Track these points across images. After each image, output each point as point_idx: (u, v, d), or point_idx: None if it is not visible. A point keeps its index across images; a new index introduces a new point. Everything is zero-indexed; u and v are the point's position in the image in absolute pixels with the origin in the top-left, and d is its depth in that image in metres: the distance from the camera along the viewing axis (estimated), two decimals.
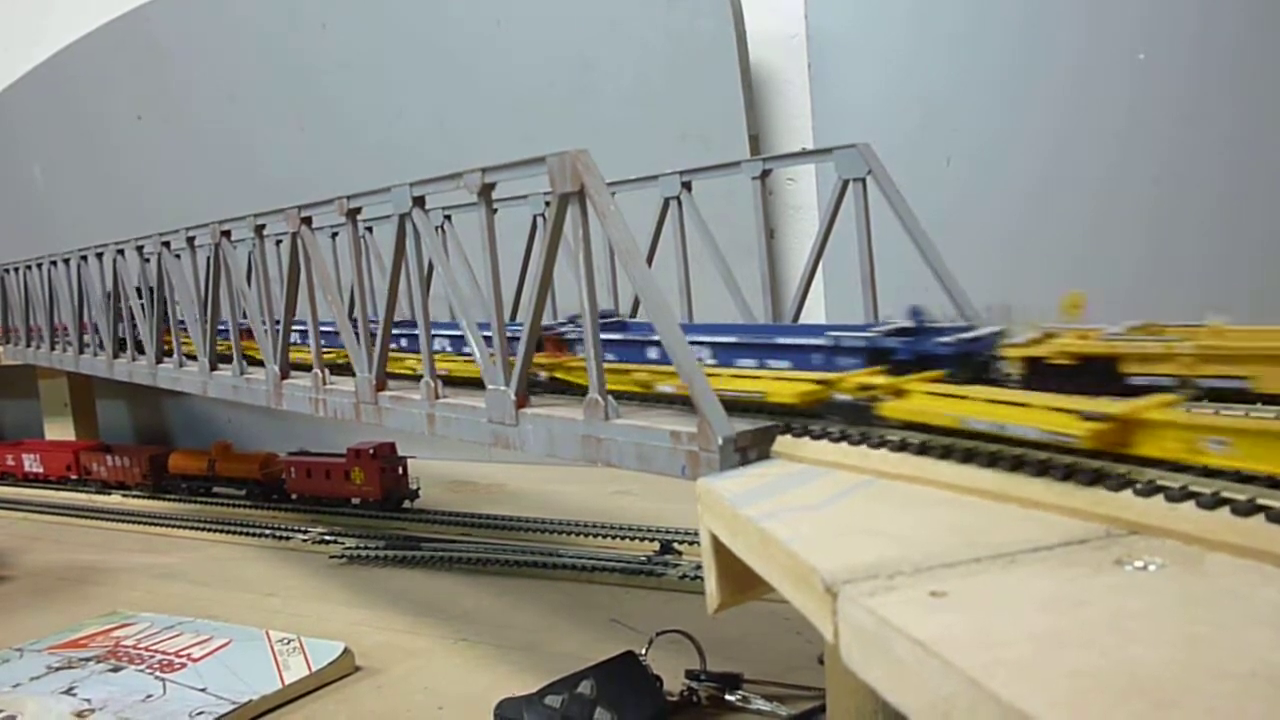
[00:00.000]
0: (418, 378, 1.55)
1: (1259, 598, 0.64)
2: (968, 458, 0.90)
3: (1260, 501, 0.71)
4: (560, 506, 2.86)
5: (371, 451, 2.91)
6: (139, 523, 3.19)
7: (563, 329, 1.61)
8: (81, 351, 2.94)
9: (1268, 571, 0.67)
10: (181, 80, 4.47)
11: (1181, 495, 0.75)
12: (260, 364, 2.04)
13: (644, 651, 1.60)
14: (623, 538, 2.42)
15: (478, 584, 2.31)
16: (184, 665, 1.85)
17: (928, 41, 2.97)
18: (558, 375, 1.52)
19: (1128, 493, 0.78)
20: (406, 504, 2.95)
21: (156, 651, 1.94)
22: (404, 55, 3.81)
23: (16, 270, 3.36)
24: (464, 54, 3.66)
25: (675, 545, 2.29)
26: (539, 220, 2.11)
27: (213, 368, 2.20)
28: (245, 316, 2.14)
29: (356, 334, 1.67)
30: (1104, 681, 0.55)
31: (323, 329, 1.85)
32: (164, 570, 2.67)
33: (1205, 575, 0.68)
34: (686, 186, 1.85)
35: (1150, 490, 0.77)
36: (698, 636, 1.64)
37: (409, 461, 2.98)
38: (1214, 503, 0.72)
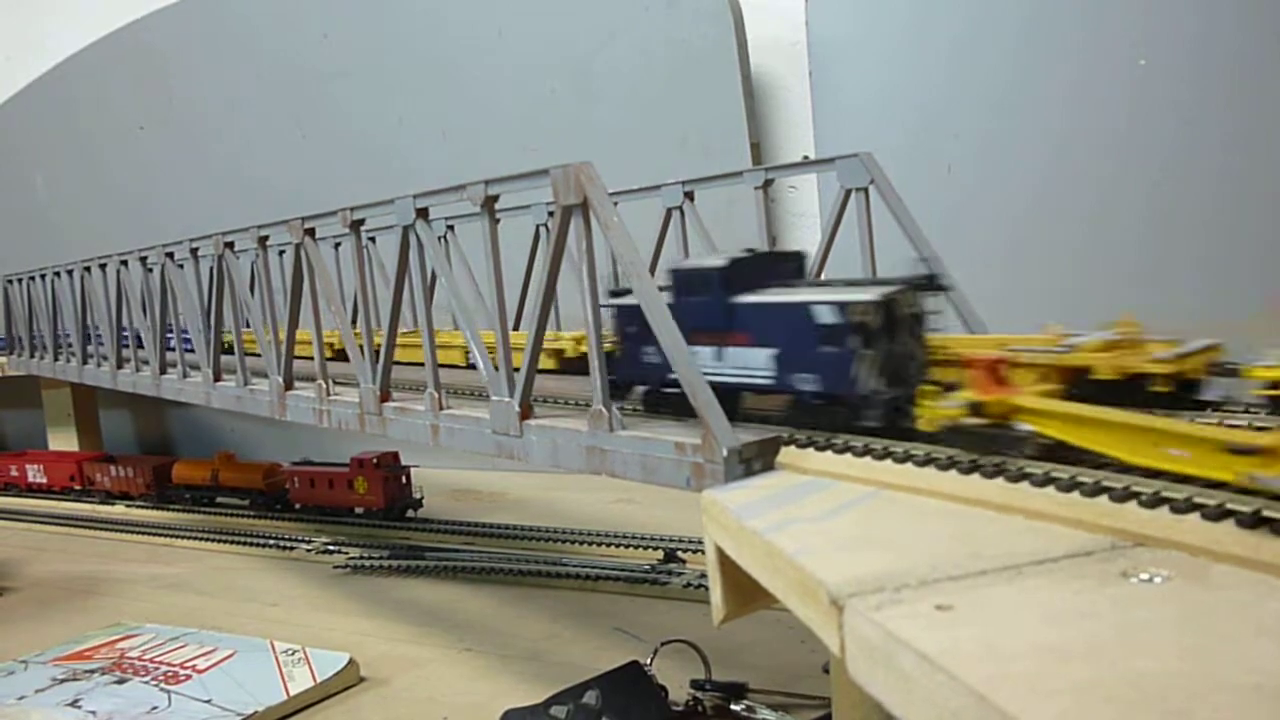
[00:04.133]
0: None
1: (1265, 609, 0.64)
2: (972, 469, 0.90)
3: (1266, 514, 0.71)
4: (563, 515, 2.86)
5: (375, 461, 2.91)
6: (143, 533, 3.19)
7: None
8: (85, 362, 2.94)
9: (1273, 584, 0.67)
10: (183, 91, 4.47)
11: (1186, 507, 0.75)
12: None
13: (649, 661, 1.60)
14: (626, 546, 2.42)
15: (481, 593, 2.30)
16: (189, 677, 1.85)
17: (928, 48, 2.97)
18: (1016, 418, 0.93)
19: (1132, 504, 0.78)
20: (410, 513, 2.95)
21: (161, 663, 1.94)
22: (405, 64, 3.82)
23: (20, 281, 3.37)
24: (465, 62, 3.66)
25: (679, 554, 2.29)
26: (542, 230, 2.11)
27: (217, 378, 2.21)
28: (249, 326, 2.15)
29: (360, 345, 1.67)
30: (1110, 694, 0.55)
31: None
32: (168, 581, 2.68)
33: (1211, 587, 0.68)
34: (689, 196, 1.86)
35: (1155, 502, 0.77)
36: (703, 645, 1.64)
37: (412, 470, 2.98)
38: (1219, 514, 0.72)
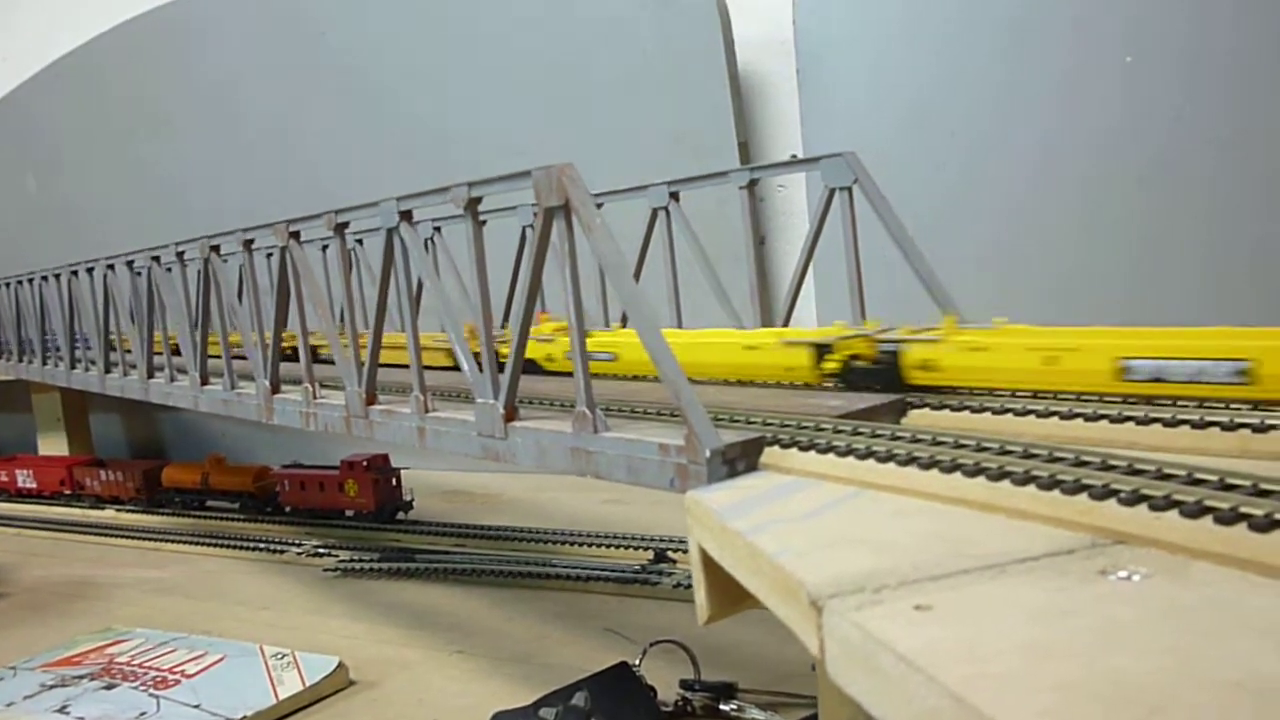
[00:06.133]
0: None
1: (1244, 606, 0.64)
2: (953, 468, 0.90)
3: (1243, 510, 0.71)
4: (554, 516, 2.86)
5: (365, 463, 2.91)
6: (133, 537, 3.18)
7: None
8: (73, 366, 2.93)
9: (1252, 580, 0.67)
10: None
11: (1165, 504, 0.75)
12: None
13: (638, 662, 1.60)
14: (617, 546, 2.41)
15: (472, 595, 2.30)
16: (178, 682, 1.85)
17: (917, 46, 2.97)
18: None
19: (1112, 502, 0.78)
20: (400, 515, 2.94)
21: (150, 668, 1.93)
22: (394, 61, 3.81)
23: (8, 285, 3.36)
24: (455, 59, 3.65)
25: (669, 554, 2.29)
26: (527, 232, 2.11)
27: (204, 382, 2.20)
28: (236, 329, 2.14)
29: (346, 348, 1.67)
30: (1090, 693, 0.55)
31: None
32: (158, 585, 2.67)
33: (1190, 585, 0.68)
34: (674, 196, 1.85)
35: (1134, 499, 0.77)
36: (692, 645, 1.64)
37: (403, 472, 2.98)
38: (1197, 511, 0.72)
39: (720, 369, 1.54)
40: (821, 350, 1.41)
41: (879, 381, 1.34)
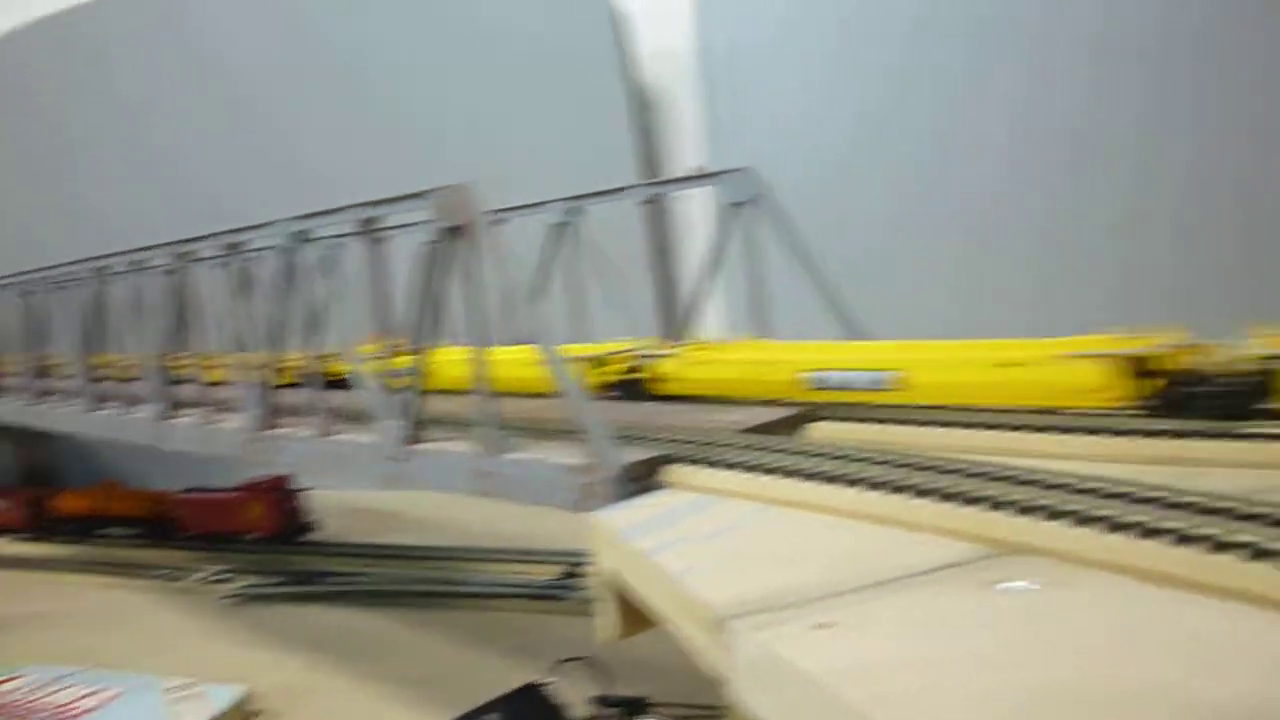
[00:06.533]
0: None
1: (1134, 615, 0.66)
2: (854, 482, 0.92)
3: (1127, 519, 0.73)
4: (463, 532, 2.83)
5: (265, 485, 2.84)
6: (21, 569, 3.05)
7: None
8: None
9: (1140, 588, 0.69)
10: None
11: (1052, 514, 0.77)
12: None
13: (549, 680, 1.59)
14: (528, 561, 2.40)
15: (379, 617, 2.26)
16: (75, 719, 1.78)
17: (823, 52, 2.97)
18: None
19: (1003, 513, 0.79)
20: (304, 537, 2.88)
21: (45, 706, 1.86)
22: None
23: None
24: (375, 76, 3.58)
25: (580, 566, 2.28)
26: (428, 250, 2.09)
27: (95, 406, 2.13)
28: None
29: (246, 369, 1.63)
30: (990, 706, 0.56)
31: None
32: (50, 618, 2.56)
33: (1079, 594, 0.69)
34: (575, 212, 1.86)
35: (1024, 510, 0.79)
36: (603, 660, 1.64)
37: (310, 493, 2.91)
38: (1083, 521, 0.75)
39: (517, 383, 1.58)
40: (597, 364, 1.59)
41: (636, 390, 1.55)
